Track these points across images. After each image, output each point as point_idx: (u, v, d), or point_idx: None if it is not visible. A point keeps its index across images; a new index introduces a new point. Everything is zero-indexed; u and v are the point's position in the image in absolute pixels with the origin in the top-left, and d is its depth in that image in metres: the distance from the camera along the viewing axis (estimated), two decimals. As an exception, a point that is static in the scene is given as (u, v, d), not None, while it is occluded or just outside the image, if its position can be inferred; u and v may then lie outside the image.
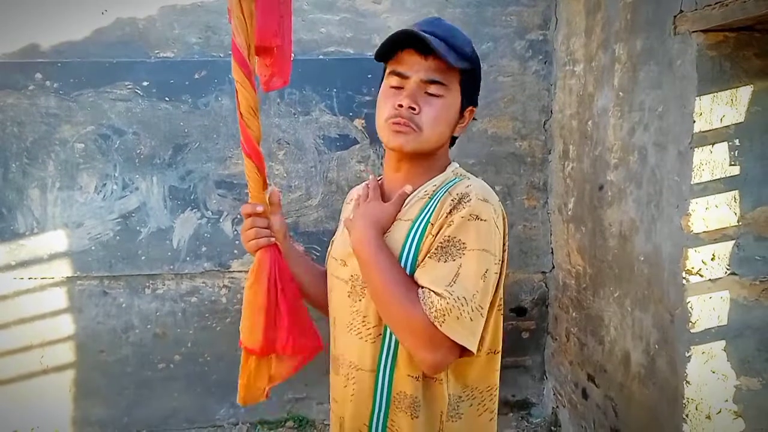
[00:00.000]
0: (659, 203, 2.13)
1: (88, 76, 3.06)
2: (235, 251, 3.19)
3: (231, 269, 3.21)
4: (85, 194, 3.12)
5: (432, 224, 1.13)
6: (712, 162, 1.91)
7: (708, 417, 1.96)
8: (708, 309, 1.95)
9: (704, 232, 1.93)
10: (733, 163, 1.91)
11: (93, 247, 3.14)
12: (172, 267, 3.18)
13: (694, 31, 1.88)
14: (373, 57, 1.24)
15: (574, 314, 2.97)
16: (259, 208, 1.28)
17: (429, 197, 1.18)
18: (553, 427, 3.24)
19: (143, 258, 3.16)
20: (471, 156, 3.20)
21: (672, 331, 2.06)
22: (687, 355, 1.96)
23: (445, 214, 1.11)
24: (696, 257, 1.95)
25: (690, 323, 1.95)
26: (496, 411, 1.24)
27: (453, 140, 1.27)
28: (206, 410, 3.30)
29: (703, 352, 1.95)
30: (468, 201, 1.10)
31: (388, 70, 1.21)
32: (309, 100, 3.16)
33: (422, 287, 1.08)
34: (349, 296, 1.23)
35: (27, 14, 3.02)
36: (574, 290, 2.96)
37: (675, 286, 2.03)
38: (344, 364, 1.25)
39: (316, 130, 3.19)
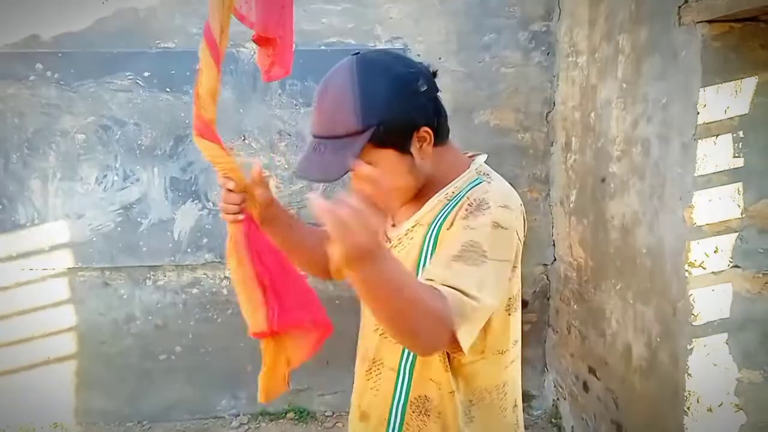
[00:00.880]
0: (662, 195, 2.12)
1: (88, 67, 3.05)
2: (237, 243, 3.19)
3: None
4: (86, 185, 3.11)
5: (444, 228, 1.12)
6: (716, 154, 1.89)
7: (709, 410, 1.96)
8: (710, 302, 1.94)
9: (707, 224, 1.92)
10: (736, 155, 1.89)
11: (94, 239, 3.13)
12: (173, 258, 3.18)
13: (698, 22, 1.87)
14: None
15: (575, 307, 2.96)
16: (230, 185, 1.25)
17: (448, 200, 1.15)
18: (553, 420, 3.25)
19: (144, 249, 3.16)
20: (473, 148, 3.16)
21: (674, 324, 2.05)
22: (689, 347, 1.96)
23: (461, 219, 1.09)
24: (699, 250, 1.94)
25: (692, 316, 1.94)
26: (510, 406, 1.23)
27: (440, 138, 1.16)
28: (207, 401, 3.31)
29: (705, 345, 1.95)
30: (487, 208, 1.07)
31: None
32: (310, 91, 3.15)
33: (450, 287, 1.01)
34: None
35: (28, 4, 3.01)
36: (575, 283, 2.96)
37: (677, 279, 2.02)
38: (368, 358, 1.26)
39: (318, 121, 3.17)
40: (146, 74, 3.08)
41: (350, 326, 1.48)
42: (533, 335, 3.37)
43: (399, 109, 1.08)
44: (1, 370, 3.17)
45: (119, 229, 3.14)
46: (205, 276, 3.23)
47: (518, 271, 1.17)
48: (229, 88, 3.10)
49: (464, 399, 1.17)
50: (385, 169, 1.07)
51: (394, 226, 1.27)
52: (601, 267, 2.66)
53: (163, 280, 3.22)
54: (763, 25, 1.82)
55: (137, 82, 3.08)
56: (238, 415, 3.32)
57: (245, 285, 1.21)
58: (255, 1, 1.19)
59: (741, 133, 1.88)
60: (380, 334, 1.22)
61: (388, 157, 1.09)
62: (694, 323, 1.94)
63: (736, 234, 1.92)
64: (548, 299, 3.35)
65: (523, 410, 3.33)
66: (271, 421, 3.27)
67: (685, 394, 1.97)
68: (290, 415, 3.30)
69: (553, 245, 3.29)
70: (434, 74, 1.17)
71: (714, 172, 1.90)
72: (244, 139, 3.15)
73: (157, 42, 3.10)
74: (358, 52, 1.13)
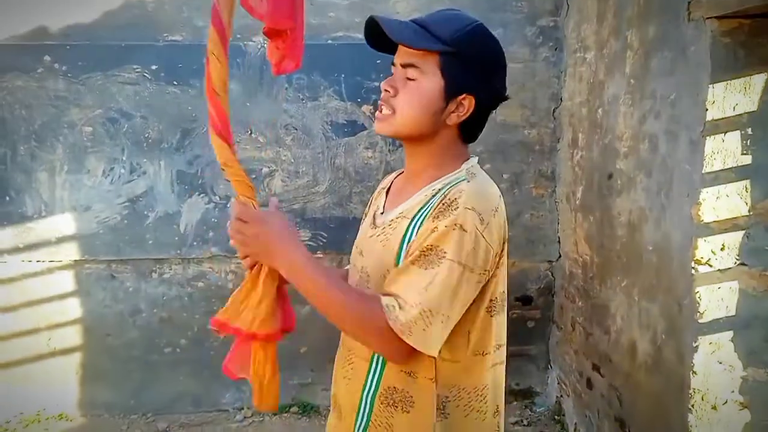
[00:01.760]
0: (669, 192, 2.11)
1: (96, 59, 3.06)
2: (242, 236, 3.19)
3: (238, 255, 3.21)
4: (92, 178, 3.13)
5: (423, 226, 1.12)
6: (724, 151, 1.88)
7: (714, 407, 1.96)
8: (716, 299, 1.93)
9: (714, 221, 1.91)
10: (744, 152, 1.88)
11: (101, 231, 3.15)
12: (179, 252, 3.19)
13: (708, 18, 1.85)
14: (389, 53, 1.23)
15: (580, 303, 2.96)
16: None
17: (431, 196, 1.16)
18: (556, 416, 3.25)
19: (150, 242, 3.17)
20: (479, 143, 3.16)
21: (679, 321, 2.04)
22: (694, 345, 1.95)
23: (432, 218, 1.10)
24: (705, 247, 1.93)
25: (698, 313, 1.94)
26: (491, 411, 1.22)
27: (468, 133, 1.23)
28: (212, 394, 3.32)
29: (710, 343, 1.94)
30: (455, 209, 1.08)
31: None
32: (317, 86, 3.15)
33: (390, 294, 1.08)
34: (357, 286, 1.25)
35: (35, -4, 3.02)
36: (580, 279, 2.95)
37: (683, 276, 2.01)
38: (345, 346, 1.28)
39: (324, 115, 3.18)
40: (154, 67, 3.09)
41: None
42: (537, 332, 3.37)
43: (477, 66, 1.16)
44: (7, 360, 3.19)
45: (125, 221, 3.15)
46: (210, 269, 3.24)
47: (501, 272, 1.17)
48: (235, 81, 3.10)
49: (441, 393, 1.16)
50: (422, 87, 1.15)
51: (383, 213, 1.28)
52: (607, 263, 2.65)
53: (169, 273, 3.23)
54: (773, 21, 1.81)
55: (145, 75, 3.09)
56: (242, 409, 3.33)
57: (265, 285, 1.16)
58: None
59: (749, 130, 1.87)
60: None
61: (433, 82, 1.15)
62: (699, 320, 1.94)
63: (743, 231, 1.91)
64: (553, 296, 3.34)
65: (526, 407, 3.35)
66: (275, 415, 3.28)
67: (690, 391, 1.97)
68: (294, 409, 3.31)
69: (559, 242, 3.28)
70: (507, 97, 1.26)
71: (722, 169, 1.89)
72: (250, 133, 3.16)
73: (165, 35, 3.10)
74: None
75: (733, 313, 1.93)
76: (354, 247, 1.34)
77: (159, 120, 3.12)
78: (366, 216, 1.38)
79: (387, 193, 1.34)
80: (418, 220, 1.14)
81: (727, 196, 1.90)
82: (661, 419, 2.18)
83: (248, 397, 3.32)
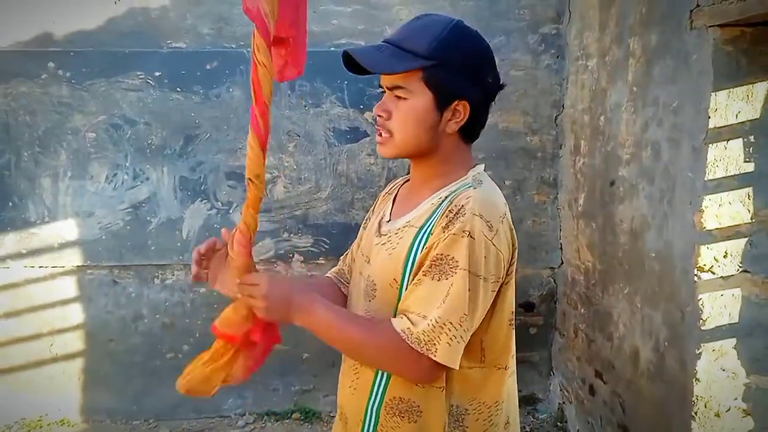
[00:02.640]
0: (672, 199, 2.12)
1: (100, 66, 3.07)
2: (244, 242, 3.20)
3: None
4: (96, 184, 3.13)
5: (432, 234, 1.12)
6: (727, 158, 1.89)
7: (717, 415, 1.95)
8: (719, 306, 1.93)
9: (717, 228, 1.92)
10: (747, 159, 1.89)
11: (103, 237, 3.15)
12: (181, 257, 3.19)
13: (710, 26, 1.86)
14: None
15: (582, 310, 2.95)
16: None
17: (438, 204, 1.16)
18: (559, 423, 3.24)
19: (153, 248, 3.18)
20: (481, 150, 3.19)
21: (682, 329, 2.04)
22: (697, 352, 1.95)
23: (441, 227, 1.10)
24: (708, 254, 1.93)
25: (701, 320, 1.94)
26: (502, 422, 1.23)
27: (469, 133, 1.23)
28: (214, 400, 3.31)
29: (713, 350, 1.94)
30: (463, 215, 1.08)
31: None
32: (320, 93, 3.16)
33: (403, 315, 1.10)
34: (364, 294, 1.24)
35: (40, 3, 3.03)
36: (582, 286, 2.95)
37: (686, 283, 2.01)
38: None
39: (327, 122, 3.19)
40: (157, 74, 3.10)
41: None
42: (539, 338, 3.37)
43: (462, 70, 1.14)
44: (9, 366, 3.19)
45: (128, 227, 3.16)
46: (212, 275, 3.24)
47: (511, 282, 1.17)
48: (238, 88, 3.11)
49: (458, 404, 1.16)
50: (413, 106, 1.15)
51: (389, 221, 1.27)
52: (609, 270, 2.65)
53: (171, 279, 3.24)
54: (775, 29, 1.82)
55: (148, 82, 3.10)
56: (244, 415, 3.32)
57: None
58: None
59: (752, 138, 1.88)
60: None
61: (423, 98, 1.15)
62: (702, 328, 1.94)
63: (746, 239, 1.91)
64: (555, 302, 3.34)
65: (529, 413, 3.34)
66: (277, 421, 3.28)
67: (693, 398, 1.96)
68: (296, 415, 3.31)
69: (561, 249, 3.28)
70: (502, 86, 1.23)
71: (724, 177, 1.89)
72: (253, 140, 3.16)
73: (169, 42, 3.12)
74: None
75: (735, 320, 1.93)
76: (359, 254, 1.33)
77: (162, 126, 3.13)
78: (368, 222, 1.38)
79: (393, 200, 1.34)
80: (427, 229, 1.14)
81: (730, 203, 1.90)
82: (663, 426, 2.18)
83: (250, 403, 3.32)
